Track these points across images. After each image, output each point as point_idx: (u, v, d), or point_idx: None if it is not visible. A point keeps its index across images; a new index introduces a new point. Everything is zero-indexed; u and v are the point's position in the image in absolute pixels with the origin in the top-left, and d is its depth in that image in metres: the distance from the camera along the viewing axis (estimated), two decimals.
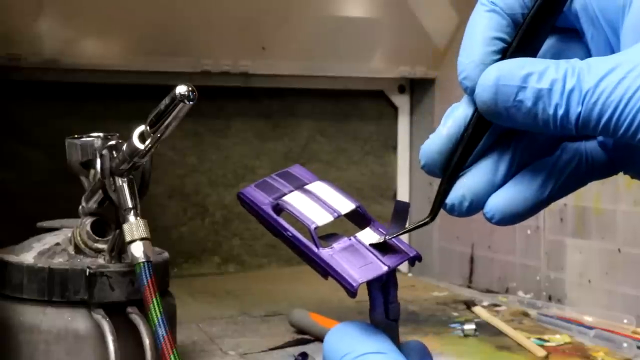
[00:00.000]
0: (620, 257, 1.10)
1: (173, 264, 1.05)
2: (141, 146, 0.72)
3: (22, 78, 1.30)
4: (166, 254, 0.83)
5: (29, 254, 0.79)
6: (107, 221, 0.80)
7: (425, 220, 0.44)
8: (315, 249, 0.48)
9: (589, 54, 0.38)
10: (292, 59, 1.43)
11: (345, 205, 0.51)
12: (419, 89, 1.56)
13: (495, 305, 1.22)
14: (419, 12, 1.42)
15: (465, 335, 1.05)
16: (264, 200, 0.51)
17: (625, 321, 1.05)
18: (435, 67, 1.50)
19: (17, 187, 1.32)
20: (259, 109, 1.50)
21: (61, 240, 0.81)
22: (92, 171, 0.79)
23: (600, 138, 0.39)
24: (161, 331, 0.69)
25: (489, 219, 0.40)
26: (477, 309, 1.17)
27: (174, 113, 0.68)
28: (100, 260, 0.78)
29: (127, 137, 0.73)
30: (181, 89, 0.67)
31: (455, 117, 0.40)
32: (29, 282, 0.77)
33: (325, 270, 0.48)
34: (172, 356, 0.68)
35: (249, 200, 0.52)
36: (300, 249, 0.49)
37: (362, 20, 1.42)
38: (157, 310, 0.69)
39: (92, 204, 0.80)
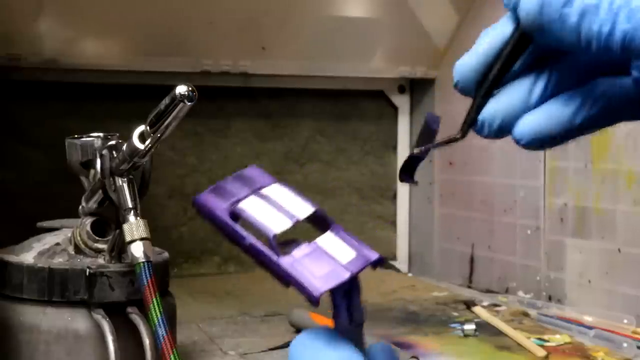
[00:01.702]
0: (620, 257, 1.10)
1: (173, 264, 1.05)
2: (141, 146, 0.72)
3: (22, 78, 1.30)
4: (166, 254, 0.83)
5: (29, 254, 0.79)
6: (107, 221, 0.80)
7: (455, 136, 0.42)
8: (275, 258, 0.47)
9: None
10: (292, 59, 1.43)
11: (304, 209, 0.50)
12: (419, 89, 1.56)
13: (495, 305, 1.22)
14: (419, 12, 1.42)
15: (465, 335, 1.05)
16: (219, 206, 0.49)
17: (625, 321, 1.05)
18: (435, 67, 1.50)
19: (17, 187, 1.32)
20: (259, 109, 1.50)
21: (61, 240, 0.81)
22: (92, 171, 0.79)
23: (636, 74, 0.37)
24: (161, 331, 0.69)
25: (518, 140, 0.39)
26: (477, 309, 1.17)
27: (174, 113, 0.68)
28: (100, 260, 0.78)
29: (127, 137, 0.73)
30: (181, 89, 0.67)
31: (493, 35, 0.40)
32: (29, 282, 0.77)
33: (286, 279, 0.47)
34: (172, 356, 0.68)
35: (204, 206, 0.50)
36: (260, 258, 0.47)
37: (362, 20, 1.42)
38: (157, 311, 0.69)
39: (92, 204, 0.80)
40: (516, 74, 0.40)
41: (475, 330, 1.06)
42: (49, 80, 1.32)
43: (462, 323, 1.08)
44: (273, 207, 0.50)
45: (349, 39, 1.43)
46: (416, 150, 0.44)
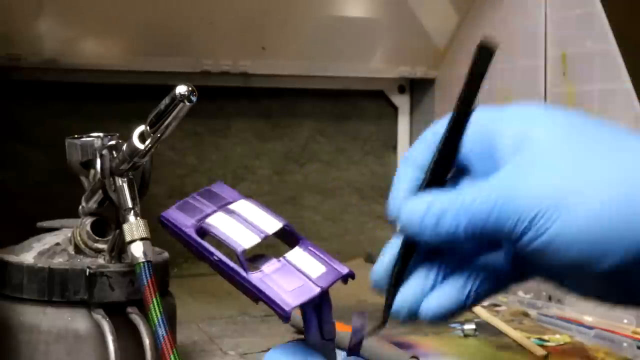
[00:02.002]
0: None
1: (173, 264, 1.04)
2: (141, 146, 0.72)
3: (22, 78, 1.30)
4: (166, 254, 0.83)
5: (29, 254, 0.79)
6: (107, 221, 0.80)
7: (380, 325, 0.50)
8: (244, 273, 0.47)
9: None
10: (292, 59, 1.43)
11: (272, 224, 0.50)
12: (419, 89, 1.56)
13: (495, 305, 1.22)
14: (419, 12, 1.42)
15: (465, 335, 1.05)
16: (186, 222, 0.49)
17: (625, 321, 1.05)
18: (435, 67, 1.50)
19: (17, 187, 1.32)
20: (259, 109, 1.50)
21: (61, 240, 0.81)
22: (92, 171, 0.79)
23: (504, 250, 0.49)
24: (161, 331, 0.69)
25: (423, 319, 0.49)
26: (477, 309, 1.17)
27: (174, 113, 0.68)
28: (100, 260, 0.78)
29: (127, 137, 0.73)
30: (181, 89, 0.67)
31: (391, 245, 0.50)
32: (29, 282, 0.77)
33: (255, 295, 0.47)
34: (172, 356, 0.68)
35: (171, 223, 0.50)
36: (229, 274, 0.47)
37: (362, 20, 1.42)
38: (157, 311, 0.69)
39: (92, 204, 0.80)
40: (414, 267, 0.50)
41: (475, 330, 1.06)
42: (49, 80, 1.32)
43: (462, 323, 1.08)
44: (241, 223, 0.49)
45: (349, 39, 1.43)
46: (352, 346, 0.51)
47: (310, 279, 0.47)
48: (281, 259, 0.48)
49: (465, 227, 0.45)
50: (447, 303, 0.48)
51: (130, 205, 0.74)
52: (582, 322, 1.08)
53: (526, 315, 1.16)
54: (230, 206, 0.51)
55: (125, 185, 0.75)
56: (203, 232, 0.49)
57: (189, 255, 1.47)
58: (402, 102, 1.58)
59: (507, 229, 0.43)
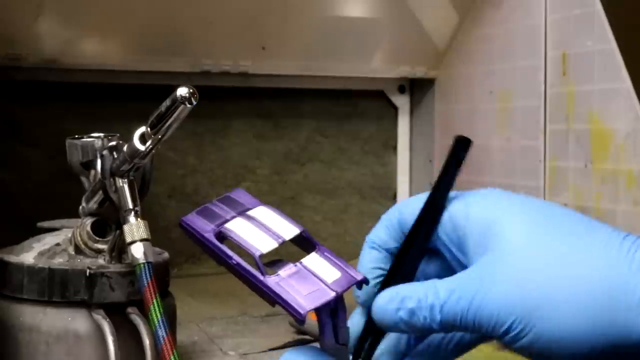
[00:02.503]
0: None
1: (173, 264, 1.05)
2: (142, 147, 0.72)
3: (22, 78, 1.30)
4: (166, 254, 0.83)
5: (29, 254, 0.79)
6: (108, 222, 0.80)
7: None
8: (261, 277, 0.47)
9: (448, 267, 0.49)
10: (292, 59, 1.43)
11: (290, 230, 0.50)
12: (419, 89, 1.56)
13: None
14: (419, 12, 1.42)
15: None
16: (206, 227, 0.50)
17: None
18: (435, 67, 1.50)
19: (17, 187, 1.32)
20: (259, 109, 1.50)
21: (61, 240, 0.81)
22: (92, 172, 0.79)
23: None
24: (161, 332, 0.69)
25: None
26: None
27: (174, 115, 0.68)
28: (101, 261, 0.78)
29: (128, 138, 0.73)
30: (182, 91, 0.67)
31: (356, 321, 0.50)
32: (29, 282, 0.77)
33: (272, 298, 0.47)
34: (172, 357, 0.68)
35: (191, 228, 0.51)
36: (246, 277, 0.48)
37: (362, 20, 1.42)
38: (158, 311, 0.69)
39: (93, 205, 0.80)
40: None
41: None
42: (49, 80, 1.32)
43: None
44: (259, 228, 0.50)
45: (349, 39, 1.43)
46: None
47: (325, 284, 0.48)
48: (297, 263, 0.49)
49: (441, 321, 0.45)
50: None
51: (130, 206, 0.74)
52: None
53: None
54: (249, 212, 0.52)
55: (126, 186, 0.75)
56: (222, 236, 0.50)
57: (189, 255, 1.48)
58: (402, 102, 1.58)
59: (484, 329, 0.44)
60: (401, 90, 1.57)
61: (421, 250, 0.48)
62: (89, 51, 1.31)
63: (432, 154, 1.52)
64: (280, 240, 0.50)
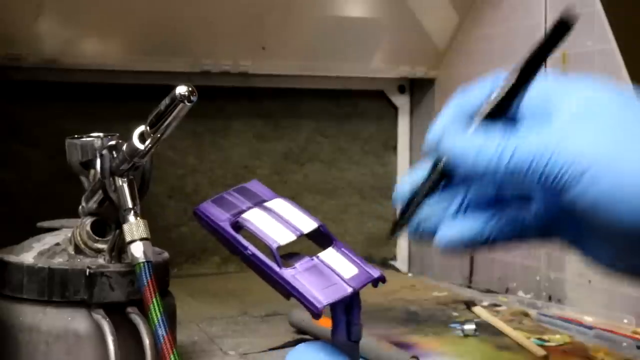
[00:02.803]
0: None
1: (173, 264, 1.04)
2: (141, 146, 0.71)
3: (22, 78, 1.30)
4: (166, 254, 0.83)
5: (29, 254, 0.79)
6: (107, 221, 0.80)
7: (387, 236, 0.51)
8: (277, 269, 0.47)
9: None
10: (292, 59, 1.43)
11: (308, 224, 0.50)
12: (419, 89, 1.56)
13: (495, 305, 1.22)
14: (419, 12, 1.42)
15: (465, 335, 1.05)
16: (221, 216, 0.50)
17: (625, 321, 1.05)
18: (435, 67, 1.50)
19: (17, 187, 1.32)
20: (259, 109, 1.50)
21: (61, 240, 0.81)
22: (92, 171, 0.79)
23: (534, 205, 0.49)
24: (161, 331, 0.69)
25: (437, 243, 0.49)
26: (477, 309, 1.17)
27: (174, 113, 0.68)
28: (100, 261, 0.78)
29: (127, 137, 0.73)
30: (181, 90, 0.67)
31: (420, 167, 0.50)
32: (29, 282, 0.77)
33: (287, 290, 0.47)
34: (172, 356, 0.68)
35: (206, 216, 0.50)
36: (261, 268, 0.48)
37: (362, 20, 1.42)
38: (157, 311, 0.69)
39: (92, 204, 0.80)
40: (441, 193, 0.50)
41: (475, 330, 1.06)
42: (49, 80, 1.32)
43: (462, 323, 1.08)
44: (277, 220, 0.50)
45: (349, 39, 1.43)
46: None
47: (343, 279, 0.48)
48: (314, 257, 0.49)
49: (514, 163, 0.45)
50: (466, 233, 0.49)
51: (130, 205, 0.74)
52: (582, 322, 1.08)
53: (526, 315, 1.16)
54: (266, 204, 0.51)
55: (125, 186, 0.75)
56: (238, 226, 0.50)
57: (189, 255, 1.48)
58: (402, 102, 1.58)
59: (554, 176, 0.44)
60: (401, 90, 1.57)
61: (503, 110, 0.48)
62: (89, 51, 1.31)
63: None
64: (298, 233, 0.50)
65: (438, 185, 0.49)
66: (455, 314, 1.18)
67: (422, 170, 0.50)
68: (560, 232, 0.49)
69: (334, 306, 0.48)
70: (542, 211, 0.49)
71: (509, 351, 1.00)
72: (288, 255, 0.49)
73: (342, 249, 0.50)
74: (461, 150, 0.47)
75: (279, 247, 0.48)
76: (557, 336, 1.05)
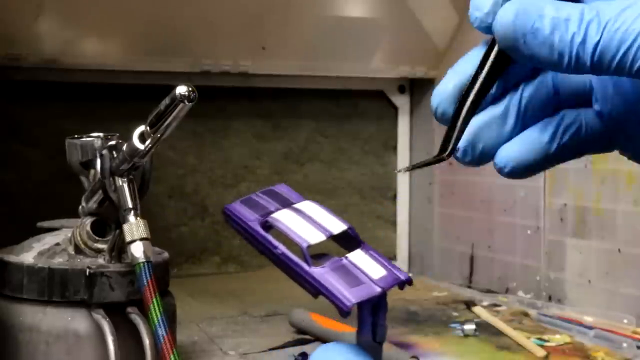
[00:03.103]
0: (620, 257, 1.10)
1: (173, 264, 1.04)
2: (141, 146, 0.71)
3: (22, 78, 1.30)
4: (166, 254, 0.83)
5: (29, 254, 0.79)
6: (107, 221, 0.80)
7: (442, 157, 0.42)
8: (307, 267, 0.47)
9: None
10: (292, 59, 1.43)
11: (337, 225, 0.51)
12: (419, 89, 1.56)
13: (495, 305, 1.22)
14: (419, 12, 1.42)
15: (465, 335, 1.05)
16: (250, 216, 0.51)
17: (625, 321, 1.05)
18: (435, 67, 1.50)
19: (17, 187, 1.32)
20: (259, 109, 1.50)
21: (61, 240, 0.81)
22: (92, 171, 0.79)
23: (597, 107, 0.41)
24: (161, 331, 0.69)
25: (501, 169, 0.41)
26: (477, 309, 1.17)
27: (174, 113, 0.68)
28: (100, 260, 0.78)
29: (127, 137, 0.73)
30: (181, 90, 0.67)
31: (468, 58, 0.40)
32: (29, 282, 0.77)
33: (316, 288, 0.47)
34: (172, 356, 0.68)
35: (235, 216, 0.51)
36: (290, 267, 0.48)
37: (362, 20, 1.42)
38: (157, 311, 0.69)
39: (92, 204, 0.80)
40: (489, 101, 0.41)
41: (475, 330, 1.06)
42: (49, 80, 1.32)
43: (462, 323, 1.08)
44: (306, 221, 0.51)
45: (349, 39, 1.43)
46: (404, 170, 0.47)
47: (371, 280, 0.48)
48: (343, 258, 0.49)
49: (603, 44, 0.35)
50: (531, 152, 0.41)
51: (130, 205, 0.74)
52: (582, 322, 1.08)
53: (526, 315, 1.16)
54: (296, 205, 0.52)
55: (125, 186, 0.75)
56: (267, 226, 0.50)
57: (189, 255, 1.48)
58: (402, 102, 1.58)
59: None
60: (401, 90, 1.57)
61: None
62: (89, 51, 1.31)
63: (432, 154, 1.51)
64: (327, 234, 0.50)
65: (495, 77, 0.39)
66: (455, 314, 1.18)
67: (468, 63, 0.40)
68: (622, 135, 0.41)
69: (361, 306, 0.49)
70: (607, 116, 0.41)
71: (509, 351, 1.00)
72: (317, 255, 0.50)
73: (370, 251, 0.51)
74: (530, 23, 0.36)
75: (309, 247, 0.49)
76: (557, 336, 1.05)
